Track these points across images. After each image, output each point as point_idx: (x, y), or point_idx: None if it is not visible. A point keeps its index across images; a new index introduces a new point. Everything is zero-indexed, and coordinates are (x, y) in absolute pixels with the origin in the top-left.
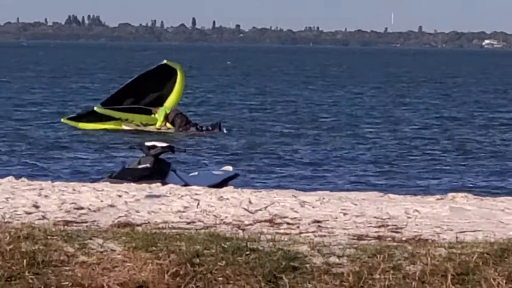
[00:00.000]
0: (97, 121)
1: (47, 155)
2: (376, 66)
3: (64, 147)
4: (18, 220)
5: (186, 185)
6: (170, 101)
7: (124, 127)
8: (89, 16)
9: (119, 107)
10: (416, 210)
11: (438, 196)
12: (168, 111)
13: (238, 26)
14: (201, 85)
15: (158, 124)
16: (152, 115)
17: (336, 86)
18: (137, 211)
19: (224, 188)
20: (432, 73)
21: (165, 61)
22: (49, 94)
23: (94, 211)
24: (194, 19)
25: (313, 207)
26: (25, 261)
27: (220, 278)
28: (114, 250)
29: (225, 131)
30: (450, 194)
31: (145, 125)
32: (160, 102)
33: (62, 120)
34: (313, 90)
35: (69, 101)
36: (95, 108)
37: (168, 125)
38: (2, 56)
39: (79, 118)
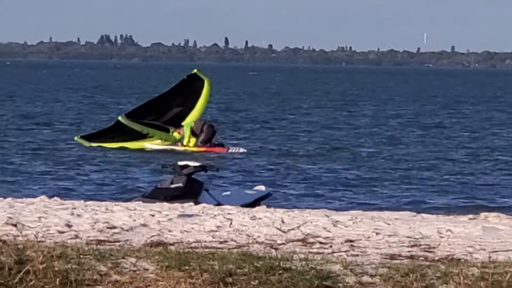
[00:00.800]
0: (119, 137)
1: (77, 174)
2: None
3: (94, 165)
4: (51, 239)
5: (218, 204)
6: (192, 116)
7: (147, 145)
8: (121, 35)
9: (142, 121)
10: (449, 230)
11: (470, 216)
12: (193, 125)
13: (270, 45)
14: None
15: (185, 141)
16: (171, 133)
17: (371, 106)
18: (170, 230)
19: (257, 208)
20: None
21: (195, 70)
22: (81, 113)
23: (127, 230)
24: (226, 39)
25: (346, 227)
26: (58, 280)
27: None
28: (147, 269)
29: (241, 150)
30: (483, 214)
31: (171, 142)
32: (180, 118)
33: (75, 138)
34: (350, 111)
35: (104, 120)
36: (120, 118)
37: (192, 141)
38: (46, 76)
39: (96, 136)
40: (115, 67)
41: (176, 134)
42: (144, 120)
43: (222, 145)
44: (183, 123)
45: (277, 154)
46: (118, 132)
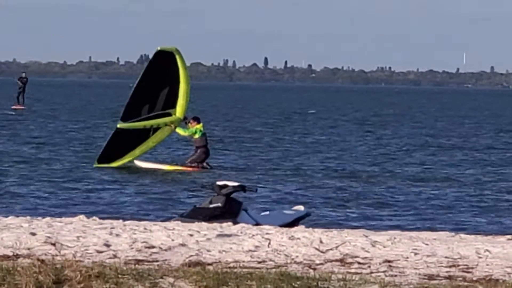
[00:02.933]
0: (128, 146)
1: (116, 194)
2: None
3: (132, 185)
4: (89, 258)
5: (257, 224)
6: (183, 91)
7: (137, 163)
8: None
9: (141, 118)
10: (487, 250)
11: (509, 236)
12: (197, 136)
13: (310, 65)
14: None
15: (187, 133)
16: (173, 116)
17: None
18: (208, 250)
19: (295, 228)
20: None
21: (158, 48)
22: None
23: (165, 250)
24: (266, 59)
25: (384, 247)
26: None
27: None
28: None
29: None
30: None
31: (177, 125)
32: (174, 96)
33: (94, 165)
34: (396, 130)
35: None
36: (119, 126)
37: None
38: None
39: (106, 158)
40: None
41: (189, 126)
42: (142, 117)
43: (210, 167)
44: (193, 128)
45: (314, 174)
46: (124, 140)
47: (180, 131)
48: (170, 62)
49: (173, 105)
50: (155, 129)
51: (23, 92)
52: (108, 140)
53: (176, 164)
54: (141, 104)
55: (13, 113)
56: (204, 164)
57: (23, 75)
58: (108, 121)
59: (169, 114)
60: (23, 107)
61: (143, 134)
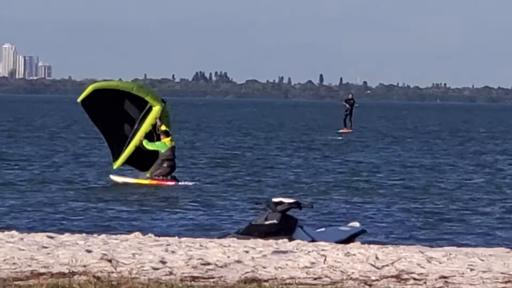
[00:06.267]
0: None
1: (171, 210)
2: None
3: (187, 202)
4: (145, 276)
5: (313, 241)
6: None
7: (112, 177)
8: (216, 72)
9: (130, 139)
10: None
11: None
12: (162, 151)
13: (365, 82)
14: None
15: (148, 146)
16: (154, 108)
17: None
18: (264, 267)
19: (351, 244)
20: None
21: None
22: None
23: (221, 266)
24: (321, 76)
25: (440, 263)
26: None
27: None
28: None
29: (190, 183)
30: None
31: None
32: (143, 104)
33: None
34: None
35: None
36: (115, 167)
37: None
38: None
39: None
40: (204, 104)
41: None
42: (128, 138)
43: (175, 179)
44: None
45: (370, 190)
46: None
47: (146, 144)
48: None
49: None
50: (141, 119)
51: (350, 114)
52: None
53: (149, 179)
54: (121, 134)
55: (340, 137)
56: (169, 177)
57: (350, 96)
58: None
59: (150, 108)
60: (351, 131)
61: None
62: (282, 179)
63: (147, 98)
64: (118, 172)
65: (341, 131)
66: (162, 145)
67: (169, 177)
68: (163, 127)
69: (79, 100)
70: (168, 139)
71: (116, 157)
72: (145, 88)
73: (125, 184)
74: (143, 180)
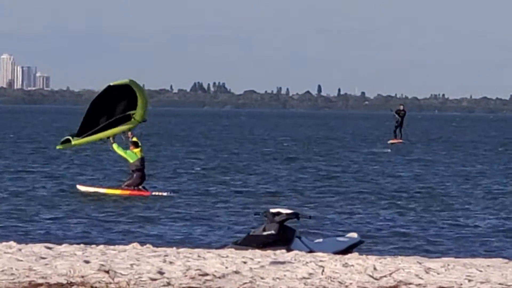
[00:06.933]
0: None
1: (169, 221)
2: None
3: (185, 212)
4: (143, 286)
5: (311, 251)
6: (140, 106)
7: (79, 187)
8: (214, 83)
9: (99, 128)
10: None
11: None
12: (131, 161)
13: (363, 93)
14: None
15: (117, 150)
16: (133, 119)
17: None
18: (262, 278)
19: (349, 255)
20: None
21: (111, 83)
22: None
23: (219, 277)
24: (319, 86)
25: (438, 274)
26: None
27: None
28: None
29: (165, 194)
30: None
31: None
32: (132, 106)
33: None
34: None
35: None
36: (73, 143)
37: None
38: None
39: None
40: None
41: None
42: (99, 126)
43: (145, 189)
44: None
45: (367, 200)
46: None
47: (117, 148)
48: (125, 93)
49: (133, 108)
50: (118, 119)
51: (401, 125)
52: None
53: (118, 188)
54: (99, 118)
55: (389, 150)
56: (140, 187)
57: (401, 107)
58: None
59: (129, 116)
60: (401, 141)
61: (109, 123)
62: (283, 187)
63: (139, 103)
64: (86, 182)
65: (391, 141)
66: (132, 155)
67: (140, 187)
68: (134, 138)
69: (112, 84)
70: (138, 149)
71: (79, 134)
72: (147, 98)
73: (95, 193)
74: (114, 190)
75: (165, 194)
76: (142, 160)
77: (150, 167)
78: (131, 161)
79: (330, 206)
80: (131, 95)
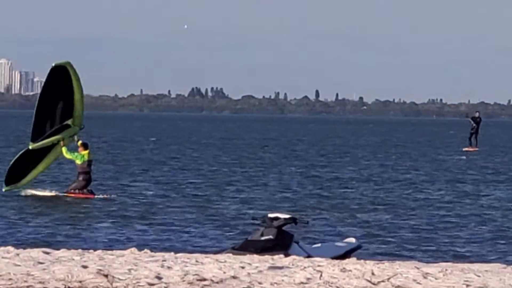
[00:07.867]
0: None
1: (167, 226)
2: None
3: (183, 217)
4: None
5: (309, 256)
6: (77, 101)
7: (29, 191)
8: (212, 88)
9: (48, 133)
10: None
11: None
12: (79, 163)
13: (361, 98)
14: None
15: (67, 155)
16: (72, 127)
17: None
18: (260, 283)
19: (347, 260)
20: None
21: (53, 64)
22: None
23: (217, 282)
24: (317, 91)
25: (436, 279)
26: None
27: None
28: None
29: (112, 196)
30: None
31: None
32: (70, 108)
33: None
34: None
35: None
36: (30, 147)
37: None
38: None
39: (14, 178)
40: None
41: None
42: (46, 133)
43: (92, 192)
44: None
45: (365, 206)
46: (27, 159)
47: (64, 151)
48: (63, 76)
49: (71, 116)
50: (58, 129)
51: (476, 133)
52: (12, 161)
53: (65, 192)
54: (44, 122)
55: (464, 157)
56: (85, 191)
57: (477, 114)
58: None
59: (68, 126)
60: (476, 149)
61: (43, 150)
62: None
63: (75, 113)
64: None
65: (466, 149)
66: (80, 157)
67: (85, 191)
68: (79, 142)
69: (53, 64)
70: (86, 152)
71: (35, 139)
72: (83, 105)
73: (42, 196)
74: (53, 193)
75: (107, 196)
76: (89, 162)
77: (151, 167)
78: (78, 162)
79: (328, 210)
80: (68, 84)
